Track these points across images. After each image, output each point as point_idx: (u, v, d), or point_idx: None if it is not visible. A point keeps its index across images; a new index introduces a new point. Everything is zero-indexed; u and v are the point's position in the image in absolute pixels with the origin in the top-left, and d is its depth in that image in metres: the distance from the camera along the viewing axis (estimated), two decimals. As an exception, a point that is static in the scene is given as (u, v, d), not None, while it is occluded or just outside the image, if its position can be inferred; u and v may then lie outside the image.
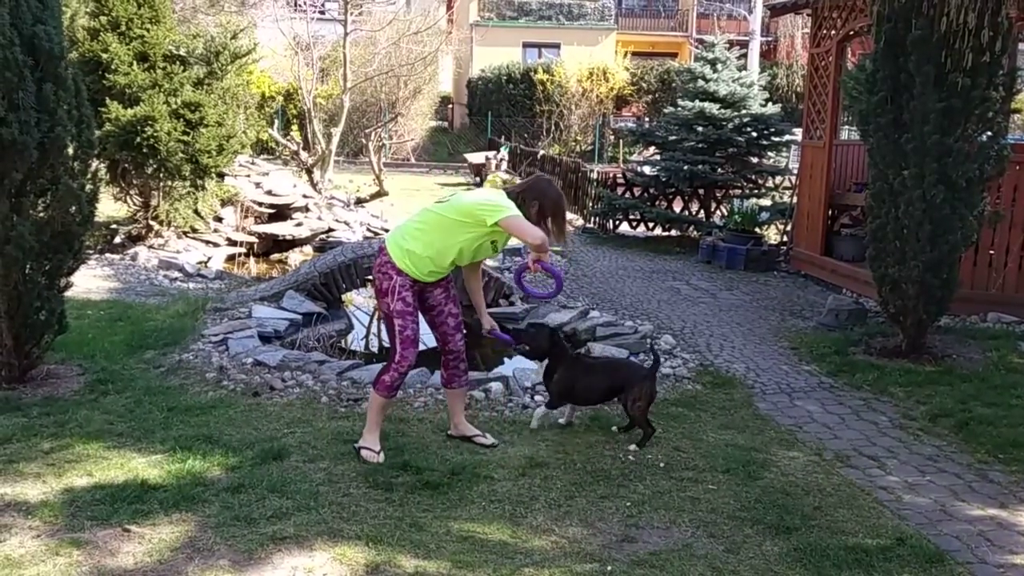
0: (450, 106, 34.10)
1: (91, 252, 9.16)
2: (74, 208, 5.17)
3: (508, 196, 4.28)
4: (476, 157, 22.54)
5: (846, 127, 14.42)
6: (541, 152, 21.52)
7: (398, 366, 4.31)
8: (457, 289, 4.63)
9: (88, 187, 5.34)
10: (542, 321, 7.32)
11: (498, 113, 28.86)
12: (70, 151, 5.15)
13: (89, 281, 8.16)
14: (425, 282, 4.38)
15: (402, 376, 4.36)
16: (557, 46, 31.81)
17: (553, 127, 28.07)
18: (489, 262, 9.99)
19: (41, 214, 5.10)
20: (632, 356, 6.26)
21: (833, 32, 9.62)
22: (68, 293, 5.49)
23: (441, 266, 4.33)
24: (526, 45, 32.61)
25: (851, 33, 9.55)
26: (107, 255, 9.68)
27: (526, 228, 4.16)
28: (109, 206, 10.36)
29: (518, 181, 21.25)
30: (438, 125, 32.35)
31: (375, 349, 7.67)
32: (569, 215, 15.34)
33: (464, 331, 4.61)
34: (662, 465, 4.44)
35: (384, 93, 26.02)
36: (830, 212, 9.98)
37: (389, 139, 25.54)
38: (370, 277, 7.99)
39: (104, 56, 9.57)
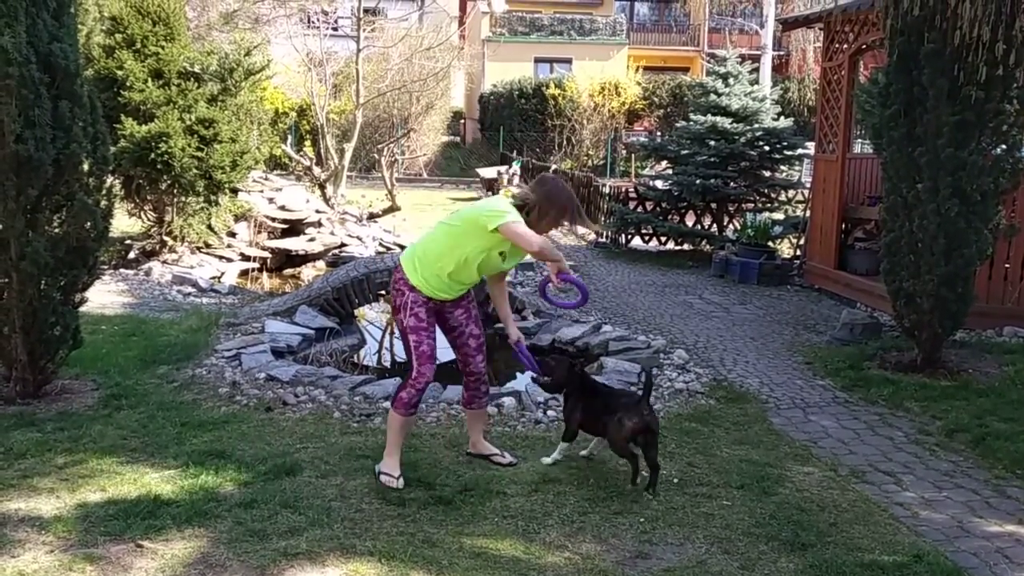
0: (462, 121, 34.25)
1: (106, 267, 9.24)
2: (89, 224, 5.20)
3: (516, 205, 4.17)
4: (488, 172, 22.60)
5: (859, 140, 14.41)
6: (553, 166, 21.57)
7: (415, 383, 4.22)
8: (482, 299, 4.52)
9: (103, 203, 5.37)
10: (562, 347, 7.26)
11: (510, 128, 28.94)
12: (85, 167, 5.19)
13: (104, 296, 8.21)
14: (440, 299, 4.30)
15: (419, 393, 4.25)
16: (569, 61, 31.88)
17: (565, 141, 28.12)
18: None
19: (56, 230, 5.14)
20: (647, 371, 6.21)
21: (845, 46, 9.61)
22: (83, 308, 5.52)
23: (450, 280, 4.23)
24: (538, 60, 32.70)
25: (864, 47, 9.54)
26: (121, 270, 9.75)
27: (524, 235, 4.03)
28: (124, 222, 10.45)
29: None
30: (450, 140, 32.46)
31: (388, 364, 7.67)
32: (580, 229, 15.50)
33: (484, 352, 4.50)
34: (676, 481, 4.41)
35: (396, 109, 26.15)
36: (844, 226, 9.94)
37: (401, 154, 25.66)
38: (383, 292, 8.02)
39: (119, 73, 9.68)
